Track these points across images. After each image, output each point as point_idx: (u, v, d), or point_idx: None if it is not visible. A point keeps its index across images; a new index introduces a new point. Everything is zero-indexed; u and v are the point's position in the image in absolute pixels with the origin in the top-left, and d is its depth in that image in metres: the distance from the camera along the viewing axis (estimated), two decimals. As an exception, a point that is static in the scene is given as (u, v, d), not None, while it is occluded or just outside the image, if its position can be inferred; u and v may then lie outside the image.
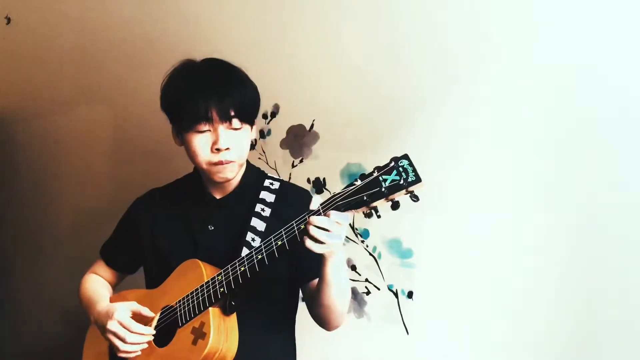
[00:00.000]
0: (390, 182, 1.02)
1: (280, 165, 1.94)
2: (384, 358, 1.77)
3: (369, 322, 1.80)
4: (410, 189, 1.02)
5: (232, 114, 1.23)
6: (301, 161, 1.91)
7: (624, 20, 1.43)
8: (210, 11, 2.05)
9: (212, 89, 1.23)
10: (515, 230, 1.57)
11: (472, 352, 1.64)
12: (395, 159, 1.04)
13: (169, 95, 1.29)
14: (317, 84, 1.85)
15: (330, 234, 1.07)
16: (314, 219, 1.07)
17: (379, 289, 1.78)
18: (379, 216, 1.07)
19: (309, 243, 1.08)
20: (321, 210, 1.08)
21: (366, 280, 1.80)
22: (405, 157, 1.04)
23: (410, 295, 1.73)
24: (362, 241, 1.80)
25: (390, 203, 1.06)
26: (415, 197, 1.04)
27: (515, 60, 1.54)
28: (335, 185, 1.82)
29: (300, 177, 1.89)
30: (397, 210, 1.61)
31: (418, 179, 1.02)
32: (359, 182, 1.06)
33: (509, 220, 1.57)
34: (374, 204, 1.04)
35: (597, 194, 1.46)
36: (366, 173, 1.06)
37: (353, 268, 1.81)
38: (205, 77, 1.25)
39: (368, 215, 1.08)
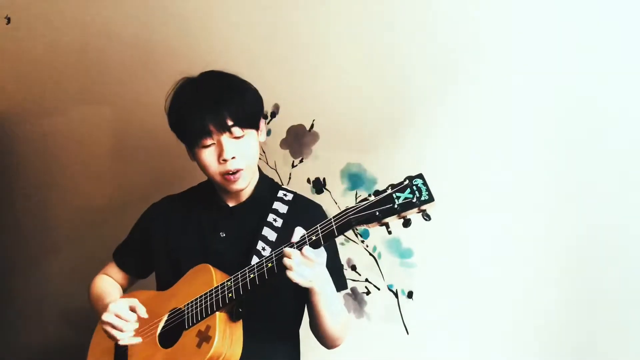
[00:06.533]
0: (403, 200, 1.04)
1: (280, 165, 1.94)
2: (384, 358, 1.77)
3: (369, 322, 1.80)
4: (423, 207, 1.04)
5: (230, 123, 1.25)
6: (301, 161, 1.91)
7: (625, 17, 1.43)
8: (211, 13, 2.05)
9: (207, 102, 1.26)
10: (515, 230, 1.57)
11: (472, 352, 1.64)
12: (410, 178, 1.06)
13: (171, 117, 1.32)
14: (317, 84, 1.85)
15: (305, 270, 1.12)
16: (288, 251, 1.12)
17: (379, 289, 1.78)
18: (389, 232, 1.08)
19: (288, 273, 1.12)
20: (298, 245, 1.13)
21: (366, 280, 1.80)
22: (420, 176, 1.06)
23: (410, 295, 1.73)
24: (362, 241, 1.80)
25: (402, 220, 1.07)
26: (427, 216, 1.05)
27: (515, 60, 1.55)
28: (335, 185, 1.83)
29: (300, 177, 1.89)
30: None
31: (431, 199, 1.04)
32: (372, 198, 1.08)
33: (509, 220, 1.58)
34: (386, 219, 1.06)
35: (597, 194, 1.46)
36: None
37: (353, 268, 1.81)
38: (200, 93, 1.28)
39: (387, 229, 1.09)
